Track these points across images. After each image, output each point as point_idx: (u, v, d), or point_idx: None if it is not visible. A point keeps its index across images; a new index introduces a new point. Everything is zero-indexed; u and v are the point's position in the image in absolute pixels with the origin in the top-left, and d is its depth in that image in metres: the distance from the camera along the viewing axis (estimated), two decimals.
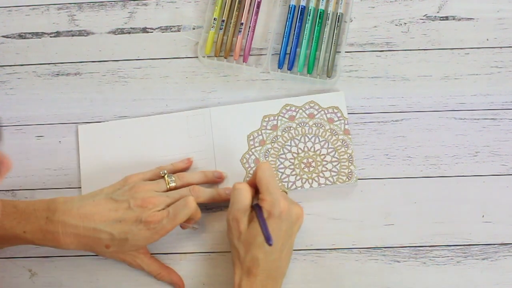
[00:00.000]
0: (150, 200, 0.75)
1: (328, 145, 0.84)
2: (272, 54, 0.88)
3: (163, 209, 0.76)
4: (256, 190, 0.78)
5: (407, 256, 0.81)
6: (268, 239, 0.71)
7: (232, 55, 0.88)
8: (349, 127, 0.85)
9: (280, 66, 0.87)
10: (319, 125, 0.85)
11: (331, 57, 0.87)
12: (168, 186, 0.79)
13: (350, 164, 0.83)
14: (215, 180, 0.83)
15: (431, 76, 0.87)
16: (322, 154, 0.84)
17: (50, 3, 0.91)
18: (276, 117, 0.85)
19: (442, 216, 0.83)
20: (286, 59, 0.87)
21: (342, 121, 0.85)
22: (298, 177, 0.83)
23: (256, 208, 0.75)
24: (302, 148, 0.84)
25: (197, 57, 0.88)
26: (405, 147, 0.85)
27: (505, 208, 0.83)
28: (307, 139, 0.85)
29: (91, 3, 0.91)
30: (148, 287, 0.81)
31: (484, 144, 0.84)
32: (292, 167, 0.84)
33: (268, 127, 0.85)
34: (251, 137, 0.85)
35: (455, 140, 0.85)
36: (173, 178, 0.80)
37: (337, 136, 0.84)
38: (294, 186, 0.83)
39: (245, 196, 0.76)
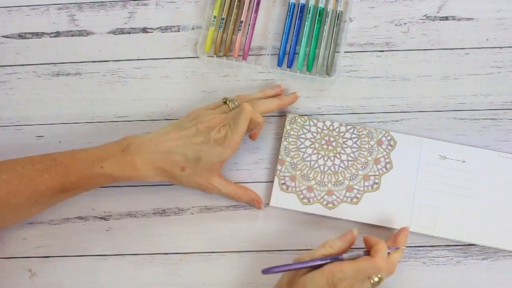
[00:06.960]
0: (214, 120, 0.79)
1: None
2: (272, 54, 0.88)
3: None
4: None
5: (407, 256, 0.81)
6: (267, 272, 0.70)
7: (231, 55, 0.88)
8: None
9: (279, 64, 0.87)
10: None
11: (330, 55, 0.87)
12: (230, 109, 0.81)
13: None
14: (276, 94, 0.85)
15: (431, 76, 0.87)
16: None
17: (50, 3, 0.91)
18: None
19: None
20: (286, 57, 0.87)
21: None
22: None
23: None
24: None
25: (197, 57, 0.88)
26: None
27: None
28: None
29: (91, 3, 0.91)
30: (148, 287, 0.82)
31: (484, 144, 0.84)
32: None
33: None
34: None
35: (455, 140, 0.85)
36: (234, 100, 0.82)
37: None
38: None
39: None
